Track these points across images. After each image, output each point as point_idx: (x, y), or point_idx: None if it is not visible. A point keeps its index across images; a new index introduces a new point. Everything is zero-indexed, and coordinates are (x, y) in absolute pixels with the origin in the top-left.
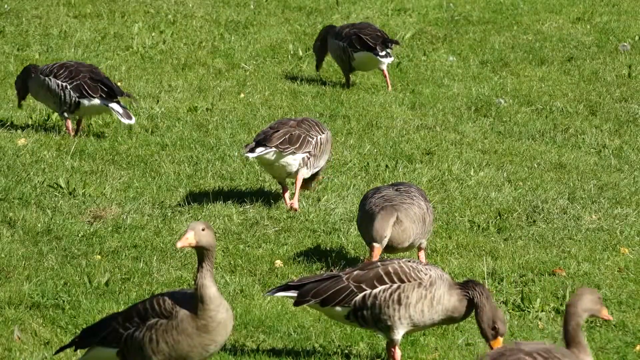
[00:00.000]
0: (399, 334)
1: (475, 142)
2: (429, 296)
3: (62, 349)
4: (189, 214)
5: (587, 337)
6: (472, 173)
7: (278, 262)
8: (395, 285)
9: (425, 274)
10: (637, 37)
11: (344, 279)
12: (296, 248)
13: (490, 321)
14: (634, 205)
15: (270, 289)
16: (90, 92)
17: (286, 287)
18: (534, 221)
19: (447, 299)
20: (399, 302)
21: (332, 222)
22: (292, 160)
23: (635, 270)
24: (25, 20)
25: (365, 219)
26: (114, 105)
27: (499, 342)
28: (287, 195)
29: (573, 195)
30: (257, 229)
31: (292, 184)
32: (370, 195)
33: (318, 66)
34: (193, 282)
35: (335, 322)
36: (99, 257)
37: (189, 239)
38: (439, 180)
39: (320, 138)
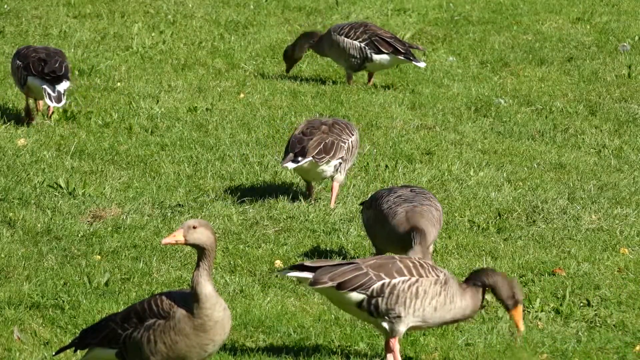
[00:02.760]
0: (405, 327)
1: (475, 142)
2: (443, 294)
3: (61, 349)
4: (188, 214)
5: (586, 337)
6: (472, 173)
7: (278, 262)
8: (414, 279)
9: (441, 272)
10: (637, 37)
11: (362, 266)
12: (296, 248)
13: (510, 292)
14: (634, 205)
15: (282, 268)
16: (32, 71)
17: (300, 267)
18: (534, 221)
19: (460, 299)
20: (417, 295)
21: (332, 222)
22: (327, 167)
23: (635, 270)
24: (25, 20)
25: (382, 220)
26: (46, 86)
27: (518, 310)
28: (312, 192)
29: (573, 195)
30: (257, 229)
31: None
32: (385, 195)
33: (288, 70)
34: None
35: (335, 322)
36: (99, 257)
37: (177, 236)
38: (438, 180)
39: (351, 141)
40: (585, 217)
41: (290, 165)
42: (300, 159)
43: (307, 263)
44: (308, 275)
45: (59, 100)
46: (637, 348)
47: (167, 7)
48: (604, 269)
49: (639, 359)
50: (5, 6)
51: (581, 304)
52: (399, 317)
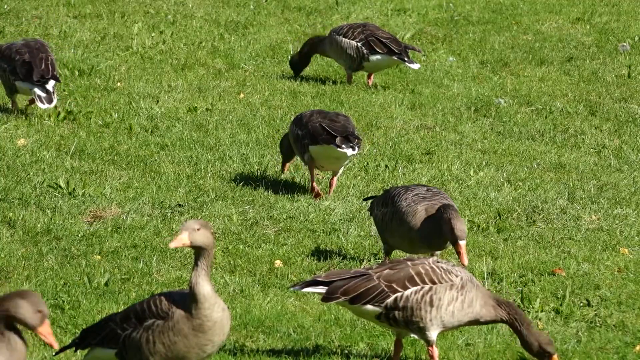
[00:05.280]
0: (432, 335)
1: (475, 142)
2: (460, 298)
3: (62, 349)
4: (188, 214)
5: (586, 337)
6: (471, 173)
7: (278, 262)
8: (427, 287)
9: (456, 276)
10: (637, 37)
11: (374, 277)
12: (296, 248)
13: (538, 348)
14: (634, 205)
15: (295, 283)
16: (21, 76)
17: (314, 283)
18: (534, 221)
19: (480, 306)
20: (431, 304)
21: (332, 222)
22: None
23: (635, 271)
24: (25, 20)
25: (401, 218)
26: (37, 89)
27: None
28: (315, 183)
29: (573, 195)
30: (257, 229)
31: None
32: (402, 192)
33: (297, 75)
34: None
35: (335, 322)
36: (99, 257)
37: (183, 239)
38: (438, 180)
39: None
40: (585, 217)
41: (350, 152)
42: (354, 144)
43: (320, 278)
44: (322, 290)
45: (50, 100)
46: (637, 348)
47: (167, 7)
48: (604, 269)
49: (639, 359)
50: (5, 6)
51: (581, 304)
52: (420, 327)
